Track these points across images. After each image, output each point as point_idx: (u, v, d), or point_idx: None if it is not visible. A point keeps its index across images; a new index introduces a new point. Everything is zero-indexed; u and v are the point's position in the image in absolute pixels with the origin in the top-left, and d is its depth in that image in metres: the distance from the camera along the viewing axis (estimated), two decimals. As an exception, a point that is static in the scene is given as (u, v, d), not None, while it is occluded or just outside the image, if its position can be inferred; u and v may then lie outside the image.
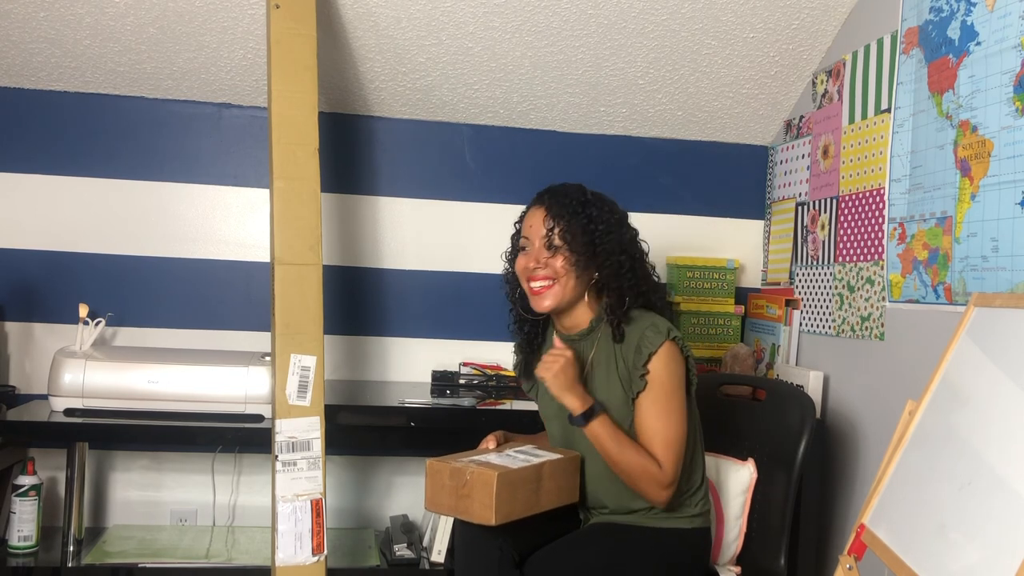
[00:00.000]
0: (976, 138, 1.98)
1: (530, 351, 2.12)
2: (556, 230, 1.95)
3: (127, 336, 2.83)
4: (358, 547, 2.68)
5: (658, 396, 1.90)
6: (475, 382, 2.91)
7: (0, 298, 2.76)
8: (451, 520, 2.53)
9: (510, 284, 2.10)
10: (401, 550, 2.56)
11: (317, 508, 2.17)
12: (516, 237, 2.08)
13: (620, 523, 1.98)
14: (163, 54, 2.67)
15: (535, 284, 1.97)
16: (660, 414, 1.89)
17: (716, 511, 2.16)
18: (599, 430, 1.88)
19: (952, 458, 1.51)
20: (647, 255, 2.05)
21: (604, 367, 1.97)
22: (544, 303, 1.96)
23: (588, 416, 1.88)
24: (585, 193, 2.01)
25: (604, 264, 1.95)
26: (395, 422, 2.50)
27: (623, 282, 1.96)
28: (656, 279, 2.06)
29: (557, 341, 2.00)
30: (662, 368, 1.90)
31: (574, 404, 1.89)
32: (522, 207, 2.96)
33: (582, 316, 2.01)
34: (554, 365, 1.89)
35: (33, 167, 2.79)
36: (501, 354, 2.99)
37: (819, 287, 2.69)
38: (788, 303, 2.81)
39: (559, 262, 1.95)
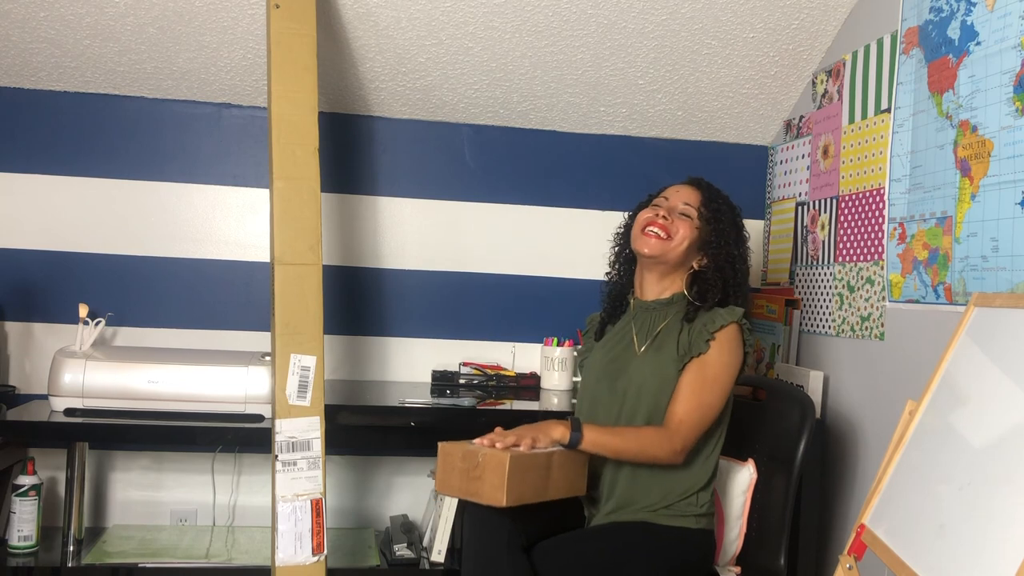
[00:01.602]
0: (976, 138, 1.98)
1: (611, 312, 2.24)
2: (702, 208, 2.11)
3: (127, 336, 2.83)
4: (358, 547, 2.68)
5: (708, 362, 1.99)
6: (475, 382, 2.91)
7: (0, 298, 2.76)
8: (451, 520, 2.53)
9: (620, 245, 2.26)
10: (401, 550, 2.56)
11: (317, 508, 2.17)
12: (641, 204, 2.22)
13: (627, 521, 1.99)
14: (163, 54, 2.67)
15: (653, 229, 2.09)
16: (704, 380, 1.98)
17: (717, 511, 2.16)
18: (592, 434, 1.91)
19: (952, 458, 1.51)
20: (748, 274, 2.18)
21: (668, 336, 2.06)
22: (647, 246, 2.09)
23: (576, 427, 1.90)
24: (730, 200, 2.18)
25: (720, 254, 2.08)
26: (395, 422, 2.49)
27: (719, 283, 2.07)
28: (746, 294, 2.16)
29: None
30: (724, 342, 2.01)
31: (559, 432, 1.90)
32: (522, 207, 3.03)
33: (668, 287, 2.13)
34: (522, 439, 1.86)
35: (33, 167, 2.79)
36: (501, 354, 2.99)
37: (819, 287, 2.69)
38: (788, 303, 2.81)
39: (686, 229, 2.09)
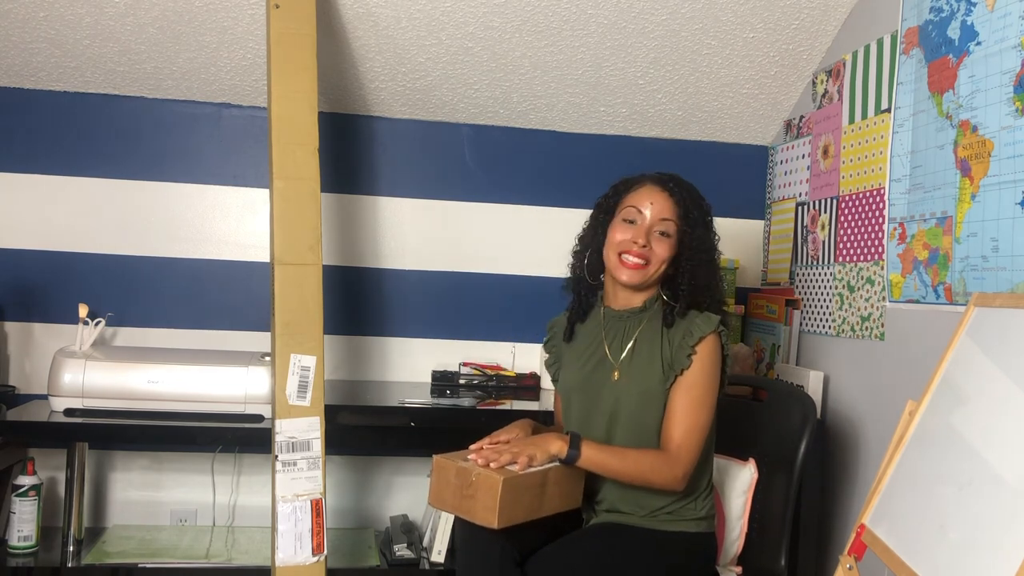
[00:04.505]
0: (976, 138, 1.98)
1: (579, 317, 2.13)
2: (681, 224, 1.97)
3: (127, 336, 2.83)
4: (358, 547, 2.68)
5: (696, 381, 1.93)
6: (475, 382, 2.91)
7: (0, 298, 2.76)
8: (451, 520, 2.53)
9: (582, 244, 2.11)
10: (401, 550, 2.56)
11: (317, 508, 2.17)
12: (611, 202, 2.05)
13: (625, 524, 1.97)
14: (163, 54, 2.67)
15: (631, 258, 1.97)
16: (694, 400, 1.92)
17: (717, 512, 2.16)
18: (591, 452, 1.88)
19: (952, 458, 1.51)
20: (719, 267, 2.07)
21: (648, 346, 1.98)
22: (626, 276, 1.97)
23: (575, 443, 1.87)
24: (701, 195, 2.04)
25: (694, 262, 1.98)
26: (395, 422, 2.50)
27: (700, 281, 1.98)
28: (723, 287, 2.07)
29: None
30: (707, 355, 1.94)
31: (557, 447, 1.87)
32: (521, 207, 3.04)
33: (641, 296, 2.03)
34: (518, 456, 1.82)
35: (33, 167, 2.79)
36: (501, 354, 2.99)
37: (819, 287, 2.69)
38: (788, 303, 2.81)
39: (664, 250, 1.97)
